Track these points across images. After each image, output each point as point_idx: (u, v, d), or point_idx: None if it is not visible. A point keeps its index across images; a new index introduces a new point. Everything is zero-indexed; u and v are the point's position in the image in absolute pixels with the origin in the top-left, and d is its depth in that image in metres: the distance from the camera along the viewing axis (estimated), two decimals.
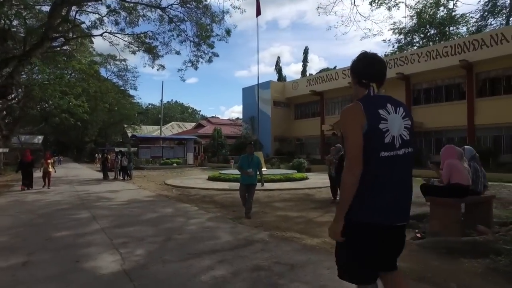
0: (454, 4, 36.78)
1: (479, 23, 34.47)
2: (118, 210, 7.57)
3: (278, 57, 48.93)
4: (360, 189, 1.77)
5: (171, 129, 53.32)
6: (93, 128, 46.87)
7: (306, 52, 50.53)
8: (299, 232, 5.41)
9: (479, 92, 21.52)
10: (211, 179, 15.27)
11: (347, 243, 1.84)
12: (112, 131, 51.62)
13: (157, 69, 21.06)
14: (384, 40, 51.35)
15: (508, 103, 19.94)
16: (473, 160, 5.31)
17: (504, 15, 32.79)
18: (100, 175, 18.80)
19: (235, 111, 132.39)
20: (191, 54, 19.67)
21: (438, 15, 36.13)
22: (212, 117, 58.99)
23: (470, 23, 35.49)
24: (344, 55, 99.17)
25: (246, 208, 6.73)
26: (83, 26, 19.29)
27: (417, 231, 5.27)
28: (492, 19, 33.99)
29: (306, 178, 15.43)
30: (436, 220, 4.91)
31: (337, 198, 8.84)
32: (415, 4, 36.25)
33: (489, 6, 33.19)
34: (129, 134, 42.42)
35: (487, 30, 31.24)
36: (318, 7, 24.74)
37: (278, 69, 47.95)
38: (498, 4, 33.04)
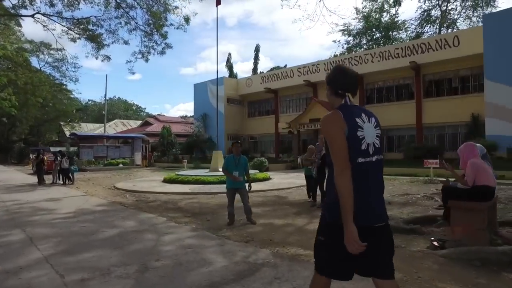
0: (396, 11, 39.25)
1: (418, 30, 36.94)
2: (65, 226, 5.95)
3: (229, 54, 47.43)
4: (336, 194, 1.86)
5: (114, 127, 49.37)
6: (23, 126, 41.37)
7: (257, 50, 50.17)
8: (301, 247, 4.55)
9: (426, 93, 22.71)
10: (167, 181, 13.81)
11: (325, 242, 1.96)
12: (46, 129, 46.22)
13: (102, 60, 18.64)
14: (334, 41, 52.97)
15: (451, 104, 21.29)
16: (485, 158, 4.91)
17: (437, 24, 35.48)
18: (33, 179, 16.12)
19: (181, 109, 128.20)
20: (142, 44, 17.84)
21: (383, 20, 38.02)
22: (159, 114, 55.92)
23: (410, 29, 37.99)
24: (288, 55, 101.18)
25: (247, 215, 6.01)
26: (6, 3, 16.40)
27: (432, 238, 4.71)
28: (428, 27, 36.66)
29: (270, 178, 14.71)
30: (459, 226, 4.37)
31: (317, 200, 8.22)
32: (362, 8, 37.95)
33: (425, 15, 35.76)
34: (67, 133, 38.23)
35: (425, 36, 33.56)
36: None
37: (229, 66, 46.88)
38: (431, 14, 35.69)
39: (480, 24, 24.65)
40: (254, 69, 49.74)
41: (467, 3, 33.77)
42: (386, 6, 37.64)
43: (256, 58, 50.12)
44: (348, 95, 2.03)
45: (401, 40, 36.13)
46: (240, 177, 5.81)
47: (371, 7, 38.85)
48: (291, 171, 20.53)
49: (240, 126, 32.54)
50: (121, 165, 26.29)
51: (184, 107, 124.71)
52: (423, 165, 14.26)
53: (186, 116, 49.72)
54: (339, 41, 42.93)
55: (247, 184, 6.24)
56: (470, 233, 4.25)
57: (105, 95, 36.71)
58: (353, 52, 31.93)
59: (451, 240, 4.45)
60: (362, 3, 37.27)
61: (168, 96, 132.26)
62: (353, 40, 40.00)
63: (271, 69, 43.15)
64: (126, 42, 18.70)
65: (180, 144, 31.57)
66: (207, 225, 5.98)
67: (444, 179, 5.07)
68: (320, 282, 2.04)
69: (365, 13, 38.54)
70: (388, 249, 1.95)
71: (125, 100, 77.00)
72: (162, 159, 30.05)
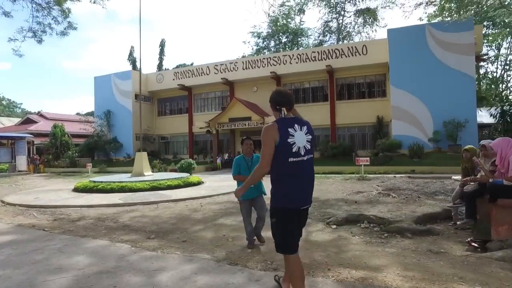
0: (300, 20, 41.71)
1: (320, 38, 39.90)
2: None
3: (132, 47, 43.04)
4: (278, 185, 2.55)
5: None
6: None
7: (162, 44, 46.86)
8: (347, 266, 3.61)
9: (338, 96, 24.34)
10: (81, 190, 11.08)
11: (277, 224, 2.59)
12: None
13: None
14: (244, 42, 53.28)
15: (360, 107, 23.28)
16: None
17: (335, 34, 39.02)
18: None
19: (67, 105, 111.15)
20: (33, 20, 14.15)
21: (290, 26, 39.89)
22: (39, 112, 47.14)
23: (313, 37, 40.84)
24: (197, 52, 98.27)
25: (257, 229, 4.66)
26: None
27: (469, 239, 4.34)
28: (329, 37, 39.96)
29: (203, 182, 13.27)
30: (504, 225, 4.08)
31: None
32: (272, 13, 39.10)
33: (325, 26, 38.95)
34: None
35: (326, 44, 36.47)
36: None
37: (132, 60, 42.54)
38: (330, 25, 39.06)
39: (379, 36, 27.72)
40: (159, 65, 46.40)
41: (358, 20, 37.94)
42: (292, 13, 39.67)
43: (162, 53, 46.86)
44: (283, 109, 2.61)
45: (306, 46, 38.46)
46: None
47: (278, 12, 40.45)
48: (213, 173, 19.28)
49: (150, 125, 29.57)
50: None
51: (73, 103, 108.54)
52: (355, 163, 14.96)
53: (78, 113, 43.03)
54: (248, 42, 42.99)
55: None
56: None
57: None
58: (278, 52, 32.21)
59: (495, 241, 4.14)
60: (269, 8, 38.43)
61: (50, 90, 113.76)
62: (262, 42, 40.95)
63: (177, 66, 40.76)
64: (7, 14, 14.56)
65: (77, 146, 26.86)
66: (199, 249, 4.49)
67: (465, 178, 4.80)
68: (290, 260, 2.60)
69: (273, 18, 39.85)
70: (304, 224, 2.75)
71: None
72: (56, 163, 24.95)
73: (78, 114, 41.23)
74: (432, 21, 22.86)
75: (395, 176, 14.40)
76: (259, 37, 40.50)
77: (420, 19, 34.15)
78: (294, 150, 2.50)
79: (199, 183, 12.86)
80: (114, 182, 11.25)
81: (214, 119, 24.11)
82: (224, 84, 26.59)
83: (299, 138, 2.53)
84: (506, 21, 26.07)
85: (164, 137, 29.99)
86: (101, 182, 11.49)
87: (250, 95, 25.56)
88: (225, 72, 26.16)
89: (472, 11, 15.22)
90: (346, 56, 22.92)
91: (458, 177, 11.43)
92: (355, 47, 22.87)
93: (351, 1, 37.82)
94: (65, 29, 14.51)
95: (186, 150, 29.07)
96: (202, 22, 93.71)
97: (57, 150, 25.31)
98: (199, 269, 3.66)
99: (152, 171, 14.80)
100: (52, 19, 14.24)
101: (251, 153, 4.68)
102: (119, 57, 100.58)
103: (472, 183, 4.69)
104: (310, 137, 2.63)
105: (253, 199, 4.55)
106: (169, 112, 30.37)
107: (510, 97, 18.41)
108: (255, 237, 4.67)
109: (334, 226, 5.61)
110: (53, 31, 14.47)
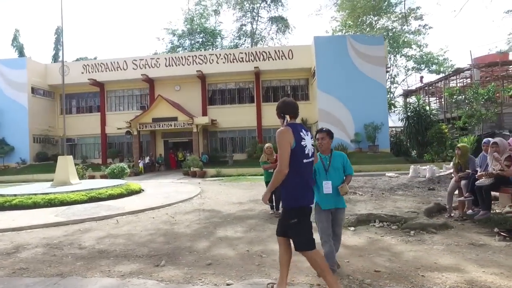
0: (216, 21, 41.40)
1: (236, 41, 40.22)
2: None
3: (17, 30, 36.19)
4: (294, 185, 2.74)
5: None
6: None
7: (58, 33, 40.70)
8: (420, 269, 3.38)
9: (264, 98, 24.72)
10: None
11: (302, 223, 2.74)
12: None
13: None
14: (158, 38, 50.31)
15: None
16: None
17: (250, 38, 39.96)
18: None
19: None
20: None
21: (207, 26, 39.14)
22: None
23: (229, 39, 40.89)
24: (107, 45, 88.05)
25: (335, 249, 3.56)
26: None
27: (498, 230, 4.61)
28: (244, 40, 40.56)
29: (143, 190, 11.68)
30: None
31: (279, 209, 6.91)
32: (188, 10, 37.90)
33: (240, 29, 39.60)
34: None
35: (241, 47, 36.94)
36: None
37: (18, 47, 35.76)
38: (245, 29, 39.87)
39: (302, 43, 29.21)
40: (55, 56, 40.15)
41: (272, 27, 39.56)
42: (206, 12, 39.04)
43: (58, 43, 40.64)
44: (287, 117, 2.86)
45: (221, 48, 38.21)
46: (328, 186, 3.43)
47: (194, 11, 39.28)
48: (138, 178, 17.27)
49: (51, 125, 25.15)
50: None
51: None
52: None
53: None
54: (163, 39, 40.49)
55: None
56: None
57: None
58: (204, 51, 30.77)
59: None
60: (187, 4, 37.11)
61: None
62: (177, 40, 39.14)
63: (78, 59, 35.83)
64: None
65: None
66: (244, 273, 3.65)
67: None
68: (318, 254, 2.73)
69: (189, 16, 38.53)
70: None
71: None
72: None
73: None
74: (351, 33, 25.11)
75: None
76: (174, 35, 38.55)
77: (326, 31, 37.53)
78: (306, 152, 2.78)
79: (141, 190, 11.28)
80: (36, 194, 8.97)
81: (135, 119, 21.80)
82: (144, 81, 24.33)
83: (308, 142, 2.82)
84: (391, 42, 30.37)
85: (70, 139, 25.83)
86: (15, 195, 9.04)
87: (172, 94, 23.95)
88: (145, 68, 23.96)
89: (375, 29, 17.20)
90: (273, 59, 23.45)
91: (409, 174, 12.71)
92: (282, 51, 23.58)
93: (265, 8, 39.51)
94: None
95: (98, 154, 25.64)
96: (108, 11, 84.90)
97: None
98: None
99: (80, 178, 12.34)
100: None
101: (329, 149, 3.66)
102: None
103: (484, 178, 5.01)
104: (313, 141, 2.96)
105: (333, 211, 3.55)
106: (75, 110, 26.31)
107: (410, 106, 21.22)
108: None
109: (352, 228, 5.39)
110: None
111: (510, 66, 25.06)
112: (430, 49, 40.25)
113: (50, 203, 8.51)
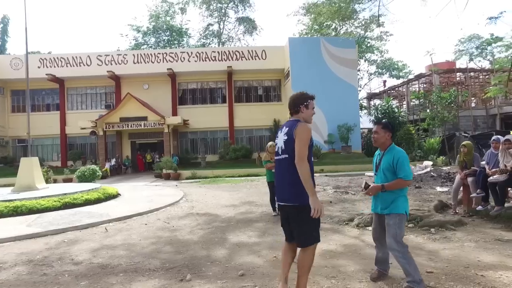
0: (182, 20, 40.37)
1: (203, 40, 39.44)
2: None
3: None
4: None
5: None
6: None
7: (5, 22, 37.27)
8: (468, 268, 3.28)
9: (237, 98, 24.33)
10: None
11: (314, 219, 2.54)
12: None
13: None
14: (121, 34, 47.93)
15: (257, 110, 23.86)
16: None
17: (217, 38, 39.43)
18: None
19: None
20: None
21: (173, 24, 38.01)
22: None
23: (195, 38, 40.01)
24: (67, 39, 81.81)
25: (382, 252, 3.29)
26: None
27: None
28: (210, 40, 39.85)
29: (119, 194, 10.81)
30: None
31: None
32: (154, 8, 36.59)
33: (207, 28, 38.99)
34: None
35: (196, 47, 36.24)
36: None
37: None
38: (212, 29, 39.28)
39: (275, 44, 29.22)
40: (1, 48, 36.66)
41: (240, 27, 39.34)
42: (172, 10, 37.97)
43: (5, 33, 37.21)
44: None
45: (185, 46, 37.22)
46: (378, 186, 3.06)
47: (160, 8, 37.95)
48: (106, 182, 16.03)
49: (1, 124, 22.79)
50: None
51: None
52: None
53: None
54: (126, 35, 38.52)
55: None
56: None
57: None
58: (175, 48, 29.43)
59: None
60: (152, 1, 35.68)
61: None
62: (142, 37, 37.54)
63: (30, 53, 32.99)
64: None
65: None
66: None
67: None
68: (314, 250, 2.69)
69: (154, 13, 37.15)
70: None
71: None
72: None
73: None
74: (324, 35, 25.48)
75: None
76: (138, 31, 36.89)
77: (293, 34, 37.89)
78: (277, 149, 2.80)
79: (118, 194, 10.42)
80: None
81: (102, 118, 20.38)
82: (109, 79, 22.85)
83: (280, 138, 2.77)
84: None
85: (23, 140, 23.55)
86: None
87: (140, 93, 22.73)
88: (111, 64, 22.52)
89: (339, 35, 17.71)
90: (246, 59, 23.15)
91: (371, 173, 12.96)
92: (255, 51, 23.35)
93: (233, 8, 39.18)
94: None
95: (56, 156, 23.67)
96: (65, 2, 79.16)
97: None
98: None
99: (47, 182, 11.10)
100: None
101: (385, 144, 3.17)
102: None
103: (498, 174, 5.09)
104: (286, 137, 2.79)
105: (379, 216, 3.22)
106: (30, 108, 24.05)
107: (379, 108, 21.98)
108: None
109: (370, 228, 5.24)
110: None
111: (464, 74, 27.05)
112: (390, 55, 42.40)
113: (16, 212, 7.47)
